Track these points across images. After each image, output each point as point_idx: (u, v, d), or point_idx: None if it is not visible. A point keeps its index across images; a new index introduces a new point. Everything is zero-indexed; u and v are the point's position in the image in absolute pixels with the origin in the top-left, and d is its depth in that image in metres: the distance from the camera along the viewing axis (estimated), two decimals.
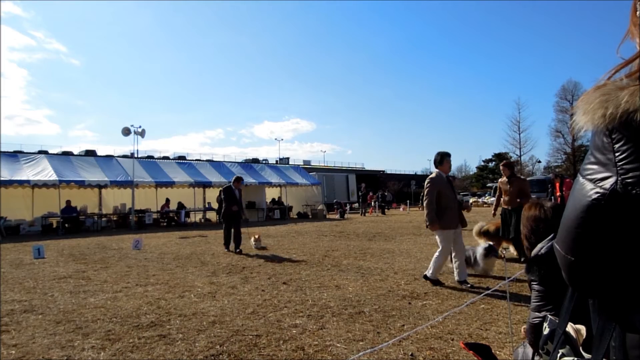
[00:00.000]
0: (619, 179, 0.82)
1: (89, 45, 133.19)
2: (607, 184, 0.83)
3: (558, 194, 13.80)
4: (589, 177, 0.87)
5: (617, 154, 0.83)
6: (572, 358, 1.17)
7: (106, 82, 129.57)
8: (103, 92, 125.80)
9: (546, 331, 1.55)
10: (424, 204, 5.98)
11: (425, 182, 6.02)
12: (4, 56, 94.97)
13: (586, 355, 1.20)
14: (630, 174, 0.81)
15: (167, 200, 20.26)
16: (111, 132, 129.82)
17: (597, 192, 0.84)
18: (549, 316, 1.65)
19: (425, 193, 5.94)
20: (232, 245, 9.88)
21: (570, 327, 1.29)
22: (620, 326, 0.87)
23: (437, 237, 5.92)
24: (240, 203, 10.27)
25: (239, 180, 10.40)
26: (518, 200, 7.40)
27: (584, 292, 0.97)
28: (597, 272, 0.88)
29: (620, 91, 0.82)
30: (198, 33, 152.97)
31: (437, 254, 5.85)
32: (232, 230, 9.87)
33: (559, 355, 1.23)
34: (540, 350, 1.63)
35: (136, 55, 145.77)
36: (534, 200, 2.32)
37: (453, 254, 5.95)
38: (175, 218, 19.93)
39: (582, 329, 1.29)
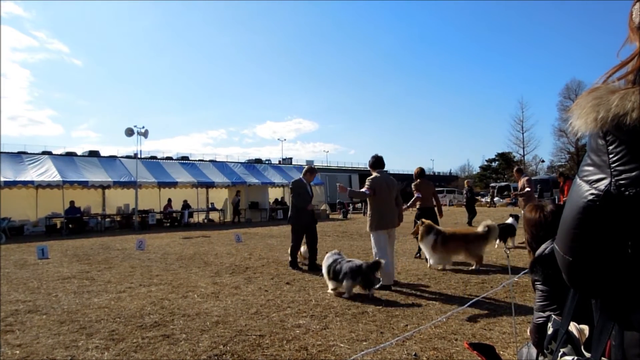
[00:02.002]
0: (613, 180, 0.83)
1: (92, 45, 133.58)
2: (602, 185, 0.85)
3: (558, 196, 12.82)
4: (585, 178, 0.89)
5: (610, 156, 0.85)
6: (573, 357, 1.18)
7: (109, 82, 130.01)
8: (106, 92, 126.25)
9: (550, 331, 1.55)
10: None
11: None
12: (6, 57, 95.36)
13: (587, 354, 1.20)
14: (623, 176, 0.82)
15: (169, 201, 20.31)
16: (114, 133, 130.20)
17: (592, 194, 0.86)
18: (553, 316, 1.65)
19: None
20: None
21: (573, 327, 1.29)
22: (618, 325, 0.88)
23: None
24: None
25: (313, 172, 8.08)
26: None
27: (583, 292, 0.98)
28: (595, 272, 0.89)
29: (611, 95, 0.84)
30: (200, 33, 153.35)
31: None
32: (305, 238, 7.68)
33: (560, 354, 1.23)
34: (544, 350, 1.62)
35: (139, 56, 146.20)
36: (535, 203, 2.29)
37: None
38: (179, 218, 19.96)
39: (586, 328, 1.29)
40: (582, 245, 0.89)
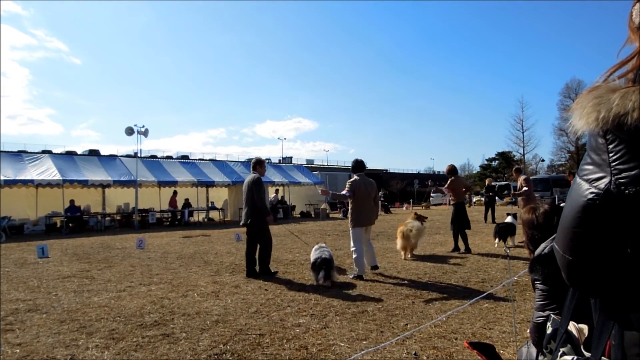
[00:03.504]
0: (613, 179, 0.83)
1: (90, 44, 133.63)
2: (602, 184, 0.85)
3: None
4: (585, 177, 0.89)
5: (611, 155, 0.85)
6: (572, 357, 1.17)
7: (108, 81, 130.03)
8: (105, 91, 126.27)
9: (549, 330, 1.54)
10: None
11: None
12: (5, 55, 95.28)
13: (587, 354, 1.21)
14: (623, 174, 0.82)
15: (175, 193, 19.99)
16: (114, 132, 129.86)
17: (592, 192, 0.86)
18: (553, 315, 1.65)
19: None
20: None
21: (572, 326, 1.29)
22: (618, 324, 0.88)
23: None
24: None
25: (263, 164, 7.26)
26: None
27: (583, 291, 0.98)
28: (595, 271, 0.89)
29: (612, 94, 0.84)
30: (200, 32, 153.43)
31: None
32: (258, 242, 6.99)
33: (559, 354, 1.23)
34: (544, 349, 1.63)
35: (138, 54, 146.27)
36: (532, 204, 2.33)
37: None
38: (179, 217, 19.94)
39: (585, 328, 1.29)
40: (581, 244, 0.89)
